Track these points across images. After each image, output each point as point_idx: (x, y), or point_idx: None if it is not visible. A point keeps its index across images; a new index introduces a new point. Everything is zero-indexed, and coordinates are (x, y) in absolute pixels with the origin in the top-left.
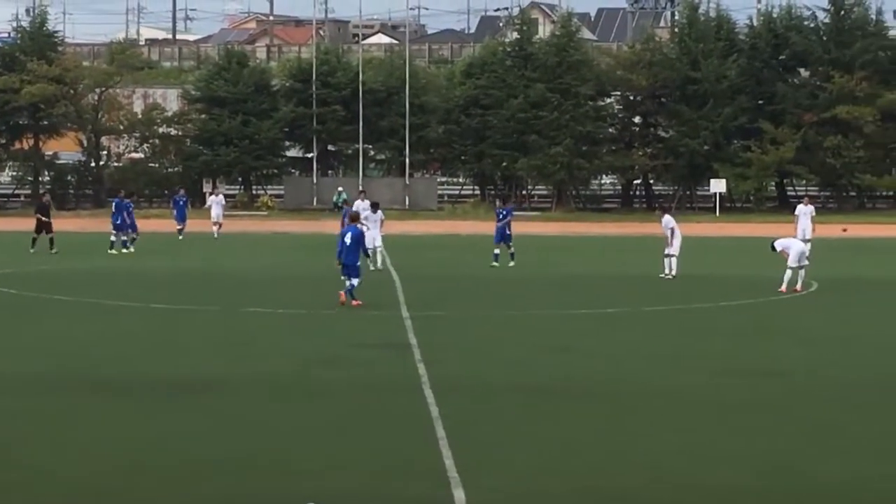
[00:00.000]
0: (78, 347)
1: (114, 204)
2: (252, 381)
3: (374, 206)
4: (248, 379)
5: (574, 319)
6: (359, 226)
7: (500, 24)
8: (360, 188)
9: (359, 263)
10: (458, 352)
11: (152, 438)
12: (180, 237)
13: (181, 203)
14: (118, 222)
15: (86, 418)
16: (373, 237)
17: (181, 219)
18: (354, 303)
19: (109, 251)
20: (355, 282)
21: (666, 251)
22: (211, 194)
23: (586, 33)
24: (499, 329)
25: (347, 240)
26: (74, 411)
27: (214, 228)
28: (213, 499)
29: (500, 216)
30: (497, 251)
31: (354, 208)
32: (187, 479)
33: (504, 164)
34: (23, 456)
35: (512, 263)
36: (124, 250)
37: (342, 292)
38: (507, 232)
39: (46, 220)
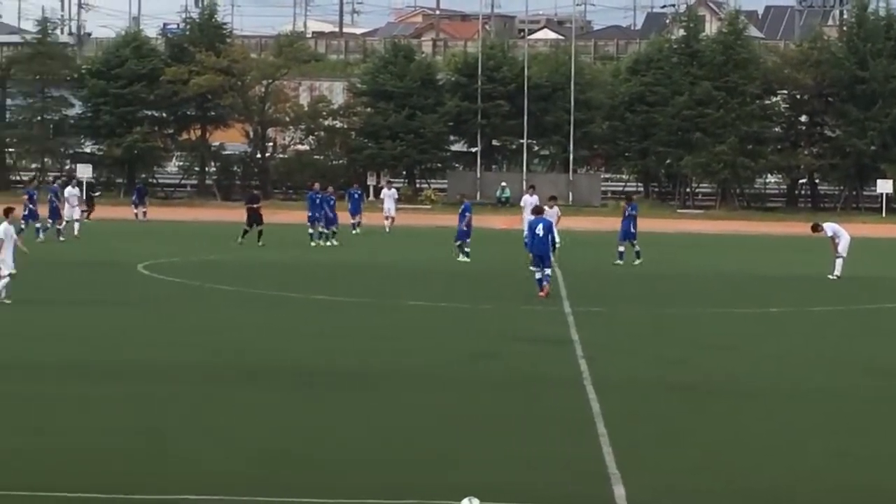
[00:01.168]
0: (236, 337)
1: (308, 197)
2: (412, 374)
3: (552, 200)
4: (407, 372)
5: (736, 318)
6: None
7: (667, 21)
8: (530, 183)
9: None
10: (619, 348)
11: (308, 429)
12: (355, 231)
13: (356, 196)
14: (312, 214)
15: (240, 407)
16: None
17: (355, 212)
18: (542, 294)
19: (311, 244)
20: (548, 272)
21: (835, 252)
22: (383, 188)
23: (753, 31)
24: (660, 326)
25: (539, 231)
26: (229, 400)
27: (387, 222)
28: (370, 490)
29: (626, 213)
30: (622, 249)
31: (523, 203)
32: (342, 470)
33: (668, 161)
34: (174, 444)
35: (638, 261)
36: (322, 242)
37: (545, 286)
38: (633, 230)
39: (257, 211)
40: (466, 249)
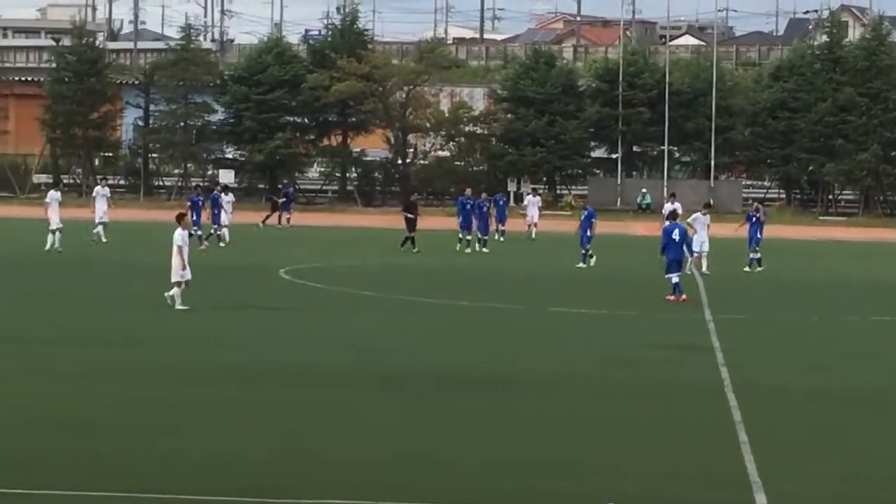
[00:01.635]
0: (379, 342)
1: (458, 203)
2: (551, 380)
3: (707, 206)
4: (547, 378)
5: (879, 326)
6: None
7: (809, 27)
8: (671, 191)
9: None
10: (761, 356)
11: (446, 435)
12: (500, 239)
13: (501, 203)
14: (462, 220)
15: (379, 411)
16: (701, 240)
17: (501, 218)
18: (681, 298)
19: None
20: (676, 278)
21: None
22: (528, 195)
23: None
24: (803, 333)
25: (676, 236)
26: (369, 404)
27: (532, 229)
28: (506, 495)
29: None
30: (755, 255)
31: (664, 211)
32: (480, 475)
33: (810, 168)
34: (313, 445)
35: (760, 269)
36: (480, 248)
37: (673, 296)
38: (759, 236)
39: (413, 218)
40: (592, 255)
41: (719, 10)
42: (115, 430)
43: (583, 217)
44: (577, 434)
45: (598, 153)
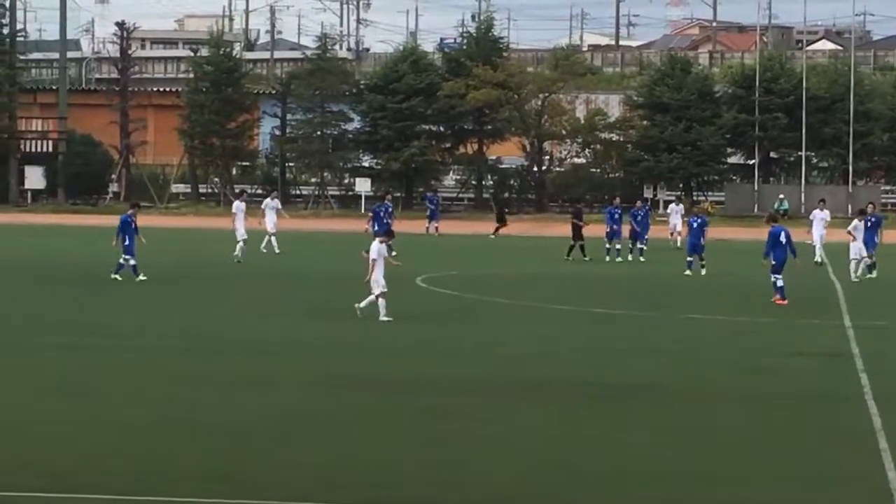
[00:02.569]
0: (513, 349)
1: (606, 212)
2: (689, 388)
3: (861, 213)
4: (685, 386)
5: None
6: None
7: None
8: (821, 198)
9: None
10: None
11: (583, 441)
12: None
13: (638, 217)
14: (610, 229)
15: (515, 419)
16: (858, 247)
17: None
18: (782, 301)
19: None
20: (780, 282)
21: None
22: (671, 203)
23: None
24: None
25: (782, 239)
26: (505, 412)
27: (677, 237)
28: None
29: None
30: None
31: (811, 217)
32: (622, 483)
33: None
34: (453, 455)
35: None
36: (639, 257)
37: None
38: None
39: (580, 225)
40: (703, 263)
41: (857, 15)
42: (255, 439)
43: (697, 224)
44: (717, 442)
45: (735, 159)
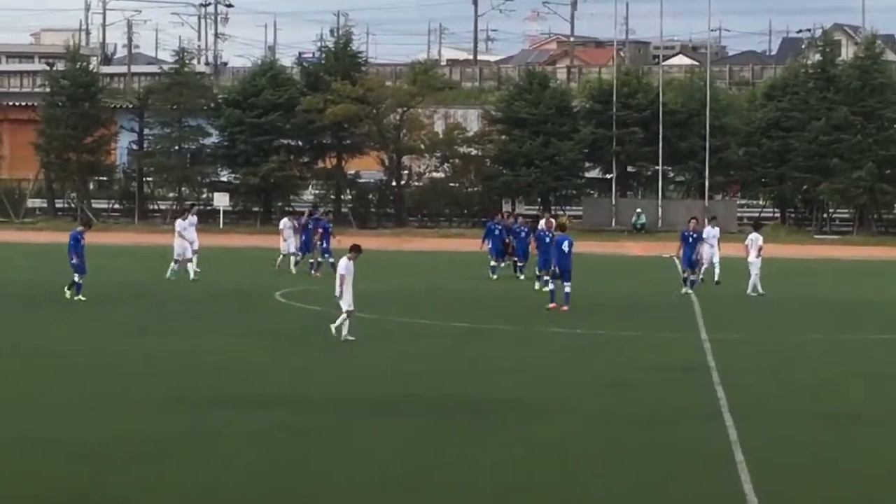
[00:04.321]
0: (376, 365)
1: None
2: (542, 403)
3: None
4: (537, 401)
5: (881, 345)
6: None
7: (803, 46)
8: (712, 214)
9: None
10: (757, 376)
11: (435, 457)
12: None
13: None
14: (490, 246)
15: (368, 437)
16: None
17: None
18: (552, 305)
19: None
20: (568, 287)
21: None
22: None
23: (890, 55)
24: (801, 353)
25: (565, 247)
26: (357, 429)
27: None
28: None
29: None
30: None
31: (705, 235)
32: (460, 499)
33: (805, 187)
34: (299, 472)
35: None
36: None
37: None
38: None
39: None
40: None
41: (712, 30)
42: (108, 458)
43: (693, 239)
44: (571, 458)
45: (593, 174)
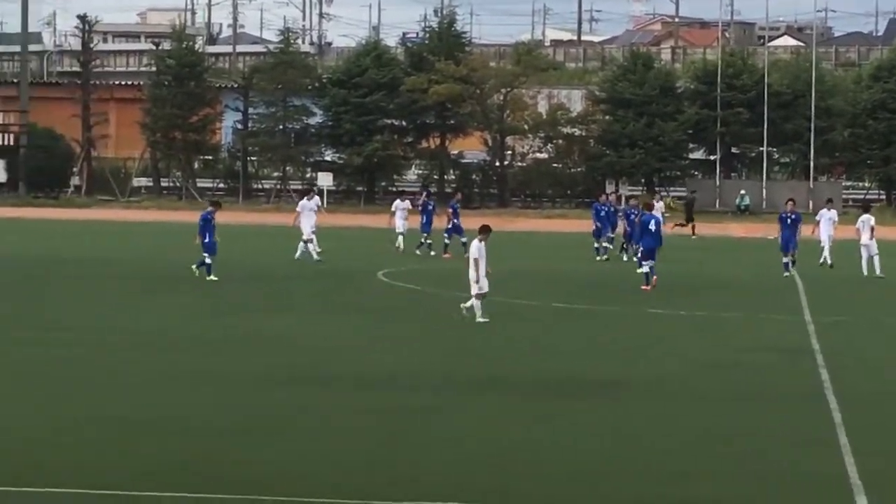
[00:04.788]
0: (470, 344)
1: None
2: (648, 384)
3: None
4: (641, 381)
5: None
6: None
7: None
8: (828, 197)
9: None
10: (862, 358)
11: (538, 438)
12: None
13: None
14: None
15: (471, 415)
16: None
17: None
18: (646, 287)
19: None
20: (646, 267)
21: None
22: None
23: None
24: None
25: (652, 226)
26: (462, 408)
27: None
28: (604, 499)
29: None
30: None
31: (818, 217)
32: (567, 479)
33: None
34: (406, 453)
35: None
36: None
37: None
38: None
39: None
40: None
41: (818, 11)
42: (214, 435)
43: (791, 220)
44: (675, 439)
45: (697, 155)
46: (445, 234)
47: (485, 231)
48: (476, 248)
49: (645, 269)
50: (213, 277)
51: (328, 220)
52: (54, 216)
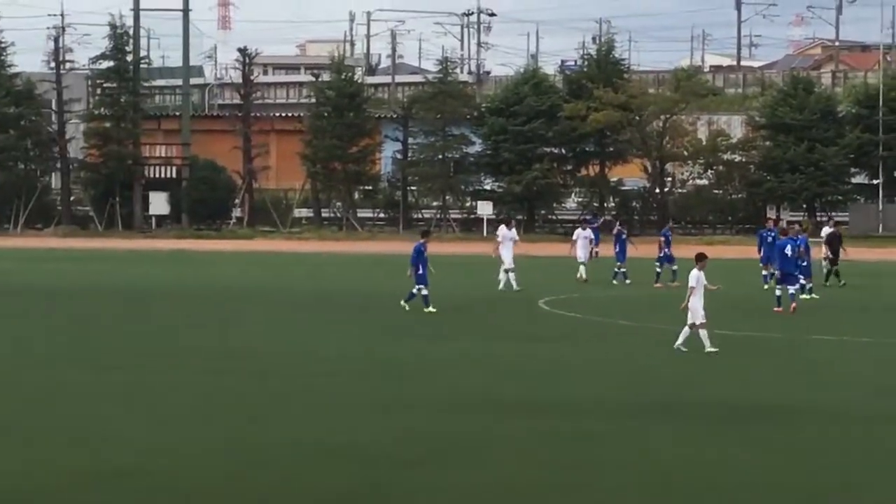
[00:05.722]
0: (642, 371)
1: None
2: (822, 407)
3: None
4: (817, 406)
5: None
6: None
7: None
8: None
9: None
10: None
11: (708, 462)
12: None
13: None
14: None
15: (650, 440)
16: None
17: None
18: (793, 306)
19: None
20: (791, 289)
21: None
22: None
23: None
24: None
25: (788, 251)
26: (647, 434)
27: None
28: None
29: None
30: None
31: None
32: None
33: None
34: (595, 476)
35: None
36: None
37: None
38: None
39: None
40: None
41: None
42: (387, 462)
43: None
44: (843, 463)
45: (859, 179)
46: (657, 263)
47: (701, 259)
48: (695, 277)
49: (778, 291)
50: (431, 309)
51: (483, 247)
52: (217, 248)
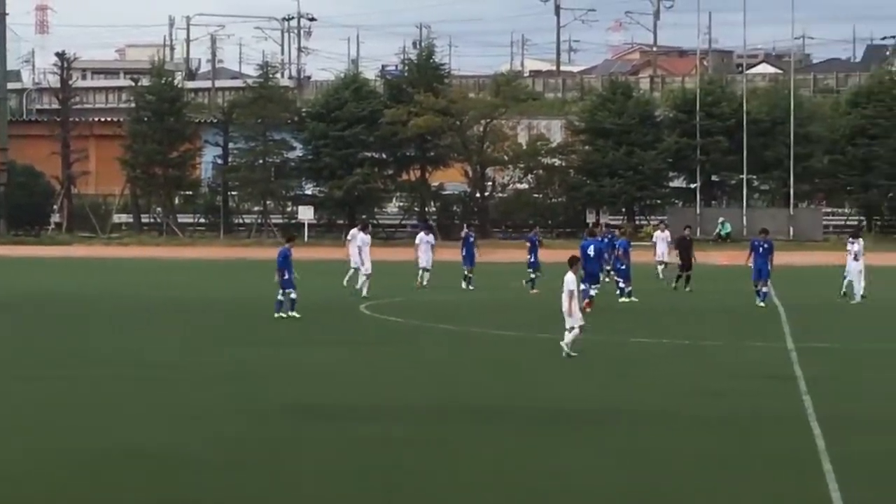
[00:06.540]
0: (459, 375)
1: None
2: (633, 412)
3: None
4: (629, 410)
5: None
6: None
7: (887, 53)
8: (857, 229)
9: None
10: (844, 384)
11: (532, 467)
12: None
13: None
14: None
15: (470, 447)
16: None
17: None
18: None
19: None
20: (593, 292)
21: None
22: (657, 230)
23: None
24: (891, 361)
25: (590, 252)
26: (460, 439)
27: (659, 268)
28: None
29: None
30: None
31: (849, 249)
32: None
33: (891, 194)
34: (406, 483)
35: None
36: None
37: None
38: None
39: (688, 256)
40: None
41: (796, 38)
42: (204, 467)
43: (764, 249)
44: (657, 466)
45: (677, 183)
46: (529, 269)
47: (575, 262)
48: (570, 280)
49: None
50: (294, 314)
51: (310, 253)
52: (35, 254)
